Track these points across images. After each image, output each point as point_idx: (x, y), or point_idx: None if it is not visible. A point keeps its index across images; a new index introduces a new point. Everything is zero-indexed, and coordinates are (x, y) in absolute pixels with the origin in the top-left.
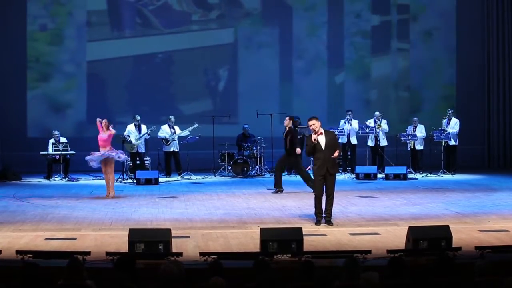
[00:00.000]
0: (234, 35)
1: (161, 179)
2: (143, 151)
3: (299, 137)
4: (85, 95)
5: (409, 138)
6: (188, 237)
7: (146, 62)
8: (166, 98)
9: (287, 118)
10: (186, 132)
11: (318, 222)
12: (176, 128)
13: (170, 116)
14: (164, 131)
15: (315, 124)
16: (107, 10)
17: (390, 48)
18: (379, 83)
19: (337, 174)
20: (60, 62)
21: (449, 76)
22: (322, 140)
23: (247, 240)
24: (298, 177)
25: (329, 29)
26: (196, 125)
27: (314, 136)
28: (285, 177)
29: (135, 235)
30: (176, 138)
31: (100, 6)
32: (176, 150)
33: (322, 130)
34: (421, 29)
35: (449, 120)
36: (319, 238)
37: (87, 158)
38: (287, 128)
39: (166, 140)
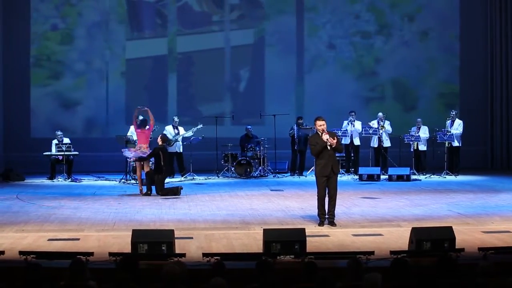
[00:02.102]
0: (254, 36)
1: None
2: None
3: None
4: (104, 95)
5: (413, 139)
6: (191, 238)
7: (165, 63)
8: (185, 99)
9: (159, 137)
10: (190, 133)
11: (321, 223)
12: (181, 129)
13: (174, 117)
14: (168, 131)
15: (325, 125)
16: (127, 11)
17: (389, 48)
18: (377, 82)
19: (340, 175)
20: (71, 61)
21: (444, 75)
22: (326, 139)
23: (250, 241)
24: (302, 178)
25: (330, 29)
26: (200, 126)
27: (325, 136)
28: (288, 178)
29: (138, 236)
30: (179, 139)
31: (120, 6)
32: (179, 151)
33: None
34: (418, 29)
35: (453, 121)
36: (322, 239)
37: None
38: (159, 145)
39: (169, 141)
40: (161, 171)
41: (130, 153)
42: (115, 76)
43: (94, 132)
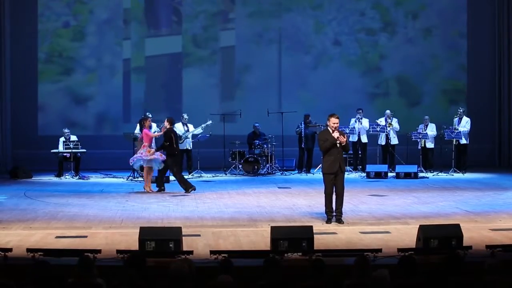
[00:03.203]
0: (261, 34)
1: (171, 177)
2: (154, 149)
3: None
4: (120, 93)
5: (420, 136)
6: (199, 235)
7: (181, 60)
8: (200, 96)
9: (166, 120)
10: (199, 130)
11: (328, 221)
12: (190, 126)
13: (183, 114)
14: (178, 128)
15: (338, 123)
16: (144, 8)
17: (393, 44)
18: (382, 78)
19: (347, 173)
20: (83, 57)
21: (448, 71)
22: (336, 137)
23: (258, 238)
24: (309, 176)
25: (336, 26)
26: (209, 122)
27: (336, 134)
28: (295, 175)
29: (146, 233)
30: (189, 136)
31: (136, 4)
32: (189, 148)
33: None
34: (422, 26)
35: (460, 119)
36: (329, 236)
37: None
38: (168, 128)
39: (180, 138)
40: (174, 154)
41: (140, 159)
42: (126, 73)
43: (104, 128)
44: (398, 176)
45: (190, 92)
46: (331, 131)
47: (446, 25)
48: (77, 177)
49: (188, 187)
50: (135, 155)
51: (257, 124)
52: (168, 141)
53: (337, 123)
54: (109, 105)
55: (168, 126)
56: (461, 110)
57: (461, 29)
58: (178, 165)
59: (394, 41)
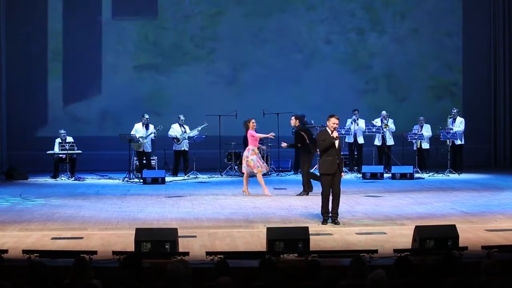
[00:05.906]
0: (255, 33)
1: (167, 179)
2: (150, 150)
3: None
4: (121, 92)
5: (416, 137)
6: (195, 236)
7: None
8: (208, 96)
9: (293, 117)
10: (195, 132)
11: (324, 222)
12: (186, 127)
13: (180, 115)
14: (175, 129)
15: (338, 124)
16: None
17: (382, 43)
18: (371, 75)
19: (343, 174)
20: (85, 56)
21: (434, 68)
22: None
23: (254, 239)
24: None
25: (327, 26)
26: (205, 124)
27: (336, 133)
28: (291, 176)
29: (142, 234)
30: (187, 137)
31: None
32: (187, 149)
33: None
34: (409, 25)
35: (454, 119)
36: (325, 237)
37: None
38: (297, 126)
39: (177, 139)
40: (310, 151)
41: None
42: (127, 73)
43: (107, 128)
44: (394, 177)
45: (186, 92)
46: (330, 131)
47: (433, 25)
48: (73, 179)
49: (309, 188)
50: (248, 161)
51: None
52: (300, 142)
53: (336, 124)
54: (109, 104)
55: (297, 124)
56: (455, 111)
57: (449, 28)
58: (309, 163)
59: (383, 40)
